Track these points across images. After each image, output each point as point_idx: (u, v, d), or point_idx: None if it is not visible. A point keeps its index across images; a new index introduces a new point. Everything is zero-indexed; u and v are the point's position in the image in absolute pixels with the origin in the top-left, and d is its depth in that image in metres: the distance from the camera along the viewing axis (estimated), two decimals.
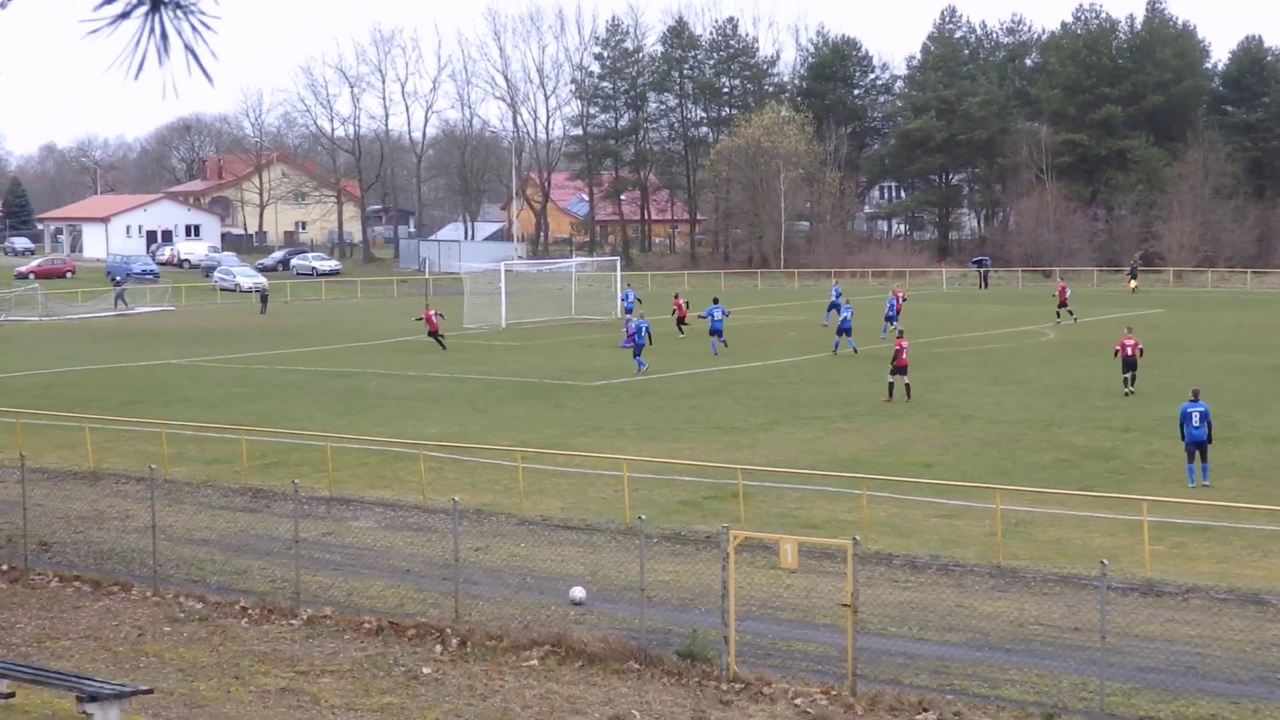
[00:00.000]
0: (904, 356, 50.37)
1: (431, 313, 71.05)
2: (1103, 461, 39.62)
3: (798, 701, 21.44)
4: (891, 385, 50.60)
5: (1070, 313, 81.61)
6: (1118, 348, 51.76)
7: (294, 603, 27.22)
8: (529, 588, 28.08)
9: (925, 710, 20.79)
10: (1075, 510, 32.85)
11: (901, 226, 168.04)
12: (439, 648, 24.72)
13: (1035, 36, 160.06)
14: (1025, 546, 30.15)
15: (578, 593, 27.01)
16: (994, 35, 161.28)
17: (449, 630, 25.27)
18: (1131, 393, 50.57)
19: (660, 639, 24.08)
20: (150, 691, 20.80)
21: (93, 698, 19.14)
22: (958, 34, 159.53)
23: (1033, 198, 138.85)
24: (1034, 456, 40.28)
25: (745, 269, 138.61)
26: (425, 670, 23.57)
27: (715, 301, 69.34)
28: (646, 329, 61.84)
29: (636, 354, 60.51)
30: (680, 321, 73.64)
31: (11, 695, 19.96)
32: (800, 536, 27.22)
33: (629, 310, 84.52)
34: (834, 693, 21.54)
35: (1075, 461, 39.65)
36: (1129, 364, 51.20)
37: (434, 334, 71.25)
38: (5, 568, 30.95)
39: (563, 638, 24.29)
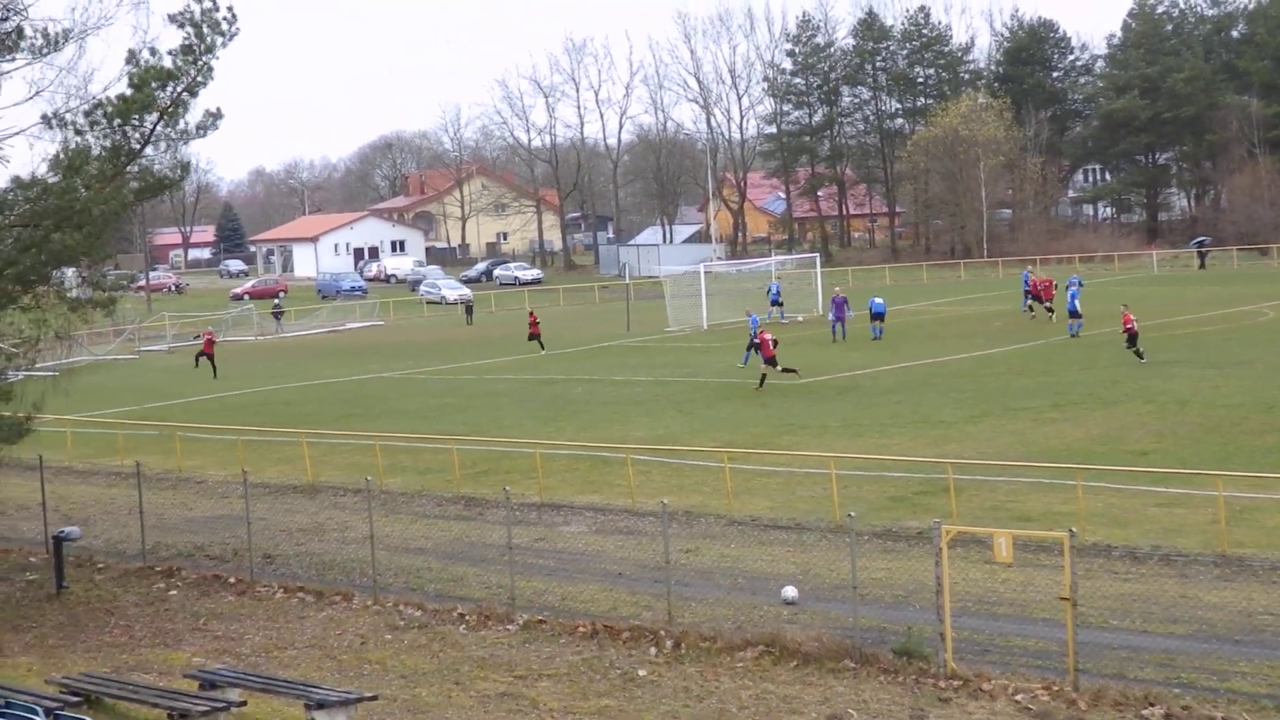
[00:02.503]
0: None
1: (535, 318, 73.24)
2: None
3: (1018, 698, 21.23)
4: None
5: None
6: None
7: (510, 608, 27.55)
8: (740, 588, 28.12)
9: (1151, 705, 20.42)
10: None
11: (1108, 210, 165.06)
12: (654, 650, 24.87)
13: (1241, 7, 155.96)
14: (1251, 534, 29.42)
15: (790, 592, 27.00)
16: (1197, 8, 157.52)
17: (663, 632, 25.40)
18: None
19: (875, 637, 23.98)
20: (375, 698, 21.22)
21: (320, 705, 19.60)
22: (1159, 9, 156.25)
23: (1245, 174, 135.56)
24: (1257, 441, 39.25)
25: (947, 260, 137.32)
26: (641, 673, 23.73)
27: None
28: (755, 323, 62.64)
29: (750, 349, 60.90)
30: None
31: (243, 704, 20.48)
32: (1014, 530, 26.97)
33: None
34: (1056, 688, 21.28)
35: None
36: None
37: (534, 337, 75.61)
38: (233, 580, 31.76)
39: (776, 637, 24.30)
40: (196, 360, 74.84)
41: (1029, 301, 77.14)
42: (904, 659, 22.93)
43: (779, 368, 55.05)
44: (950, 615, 22.63)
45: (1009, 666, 22.65)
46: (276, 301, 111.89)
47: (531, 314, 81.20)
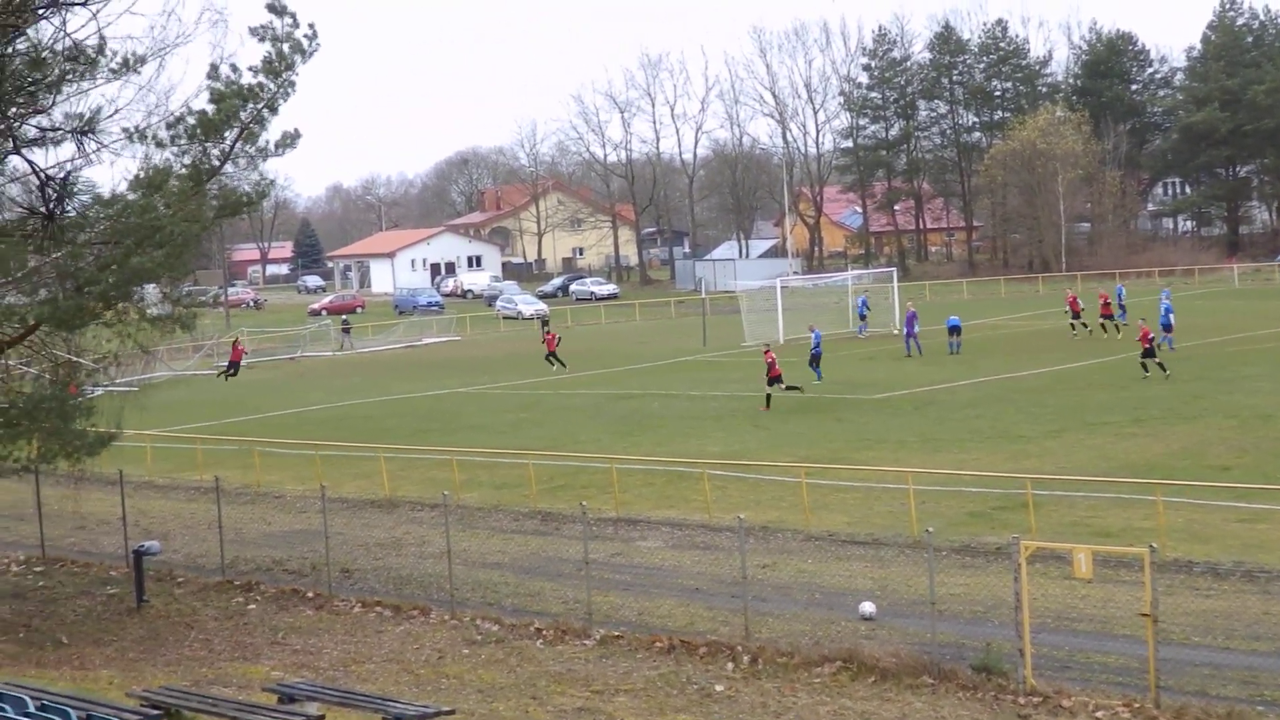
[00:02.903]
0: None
1: (553, 335, 73.50)
2: None
3: (1099, 715, 21.08)
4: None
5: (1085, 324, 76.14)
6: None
7: (586, 623, 27.57)
8: (818, 603, 28.04)
9: None
10: None
11: (1188, 223, 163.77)
12: (731, 665, 24.83)
13: None
14: None
15: (867, 608, 26.90)
16: (1278, 20, 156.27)
17: (740, 648, 25.36)
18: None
19: (953, 653, 23.86)
20: (452, 713, 21.25)
21: (398, 719, 19.64)
22: (1239, 21, 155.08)
23: None
24: None
25: (1025, 274, 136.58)
26: (718, 688, 23.69)
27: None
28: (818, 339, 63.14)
29: (814, 363, 61.70)
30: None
31: (321, 717, 20.54)
32: (1094, 545, 26.77)
33: (863, 316, 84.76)
34: (1136, 705, 21.11)
35: None
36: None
37: (552, 354, 75.48)
38: (311, 594, 31.93)
39: (854, 653, 24.22)
40: (226, 375, 73.21)
41: (1072, 320, 76.57)
42: (983, 675, 22.81)
43: (786, 387, 55.38)
44: (1029, 631, 22.49)
45: (1089, 683, 22.49)
46: (345, 318, 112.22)
47: (550, 332, 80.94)
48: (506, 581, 31.66)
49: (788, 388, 55.63)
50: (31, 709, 16.25)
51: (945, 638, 24.29)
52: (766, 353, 57.31)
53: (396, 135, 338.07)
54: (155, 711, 19.55)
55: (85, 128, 31.02)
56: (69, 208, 28.75)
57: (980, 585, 27.77)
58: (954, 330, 71.44)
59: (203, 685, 23.85)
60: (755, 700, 22.99)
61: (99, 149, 31.33)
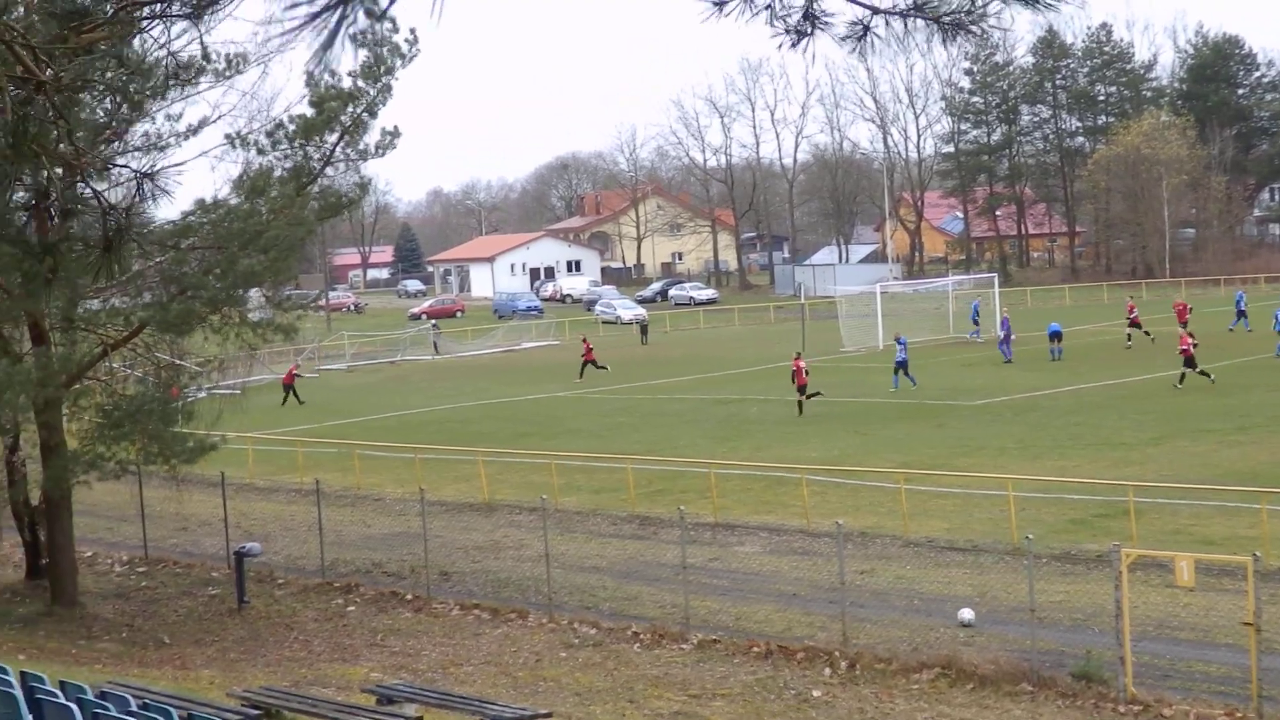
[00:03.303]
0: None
1: (802, 364, 71.15)
2: None
3: None
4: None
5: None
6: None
7: (684, 627, 27.58)
8: (916, 610, 27.92)
9: None
10: None
11: None
12: (828, 671, 24.76)
13: None
14: None
15: (966, 614, 26.76)
16: None
17: (837, 653, 25.29)
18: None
19: (1053, 660, 23.69)
20: (550, 715, 21.31)
21: None
22: None
23: None
24: None
25: (1128, 280, 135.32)
26: (815, 693, 23.63)
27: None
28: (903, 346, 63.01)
29: (898, 371, 61.62)
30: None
31: (420, 719, 20.66)
32: (1196, 554, 26.48)
33: (975, 321, 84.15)
34: (1239, 715, 20.89)
35: None
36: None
37: (590, 363, 75.20)
38: (410, 597, 32.12)
39: (953, 660, 24.10)
40: (295, 398, 71.50)
41: (1129, 330, 75.40)
42: (1083, 683, 22.64)
43: (807, 395, 56.18)
44: (1130, 639, 22.30)
45: (1190, 692, 22.27)
46: (434, 322, 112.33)
47: (585, 340, 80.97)
48: (604, 585, 31.72)
49: (809, 395, 56.26)
50: (134, 708, 16.43)
51: (1045, 645, 24.12)
52: (796, 360, 58.11)
53: (497, 140, 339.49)
54: (255, 712, 19.72)
55: (195, 131, 31.45)
56: (130, 238, 29.09)
57: (1080, 593, 27.55)
58: (1055, 336, 70.87)
59: (302, 686, 24.04)
60: (852, 706, 22.91)
61: (201, 155, 31.78)
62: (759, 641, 26.55)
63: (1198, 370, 56.14)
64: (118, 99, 30.64)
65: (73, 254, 31.58)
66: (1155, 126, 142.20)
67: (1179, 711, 21.32)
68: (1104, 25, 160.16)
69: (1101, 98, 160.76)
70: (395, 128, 31.88)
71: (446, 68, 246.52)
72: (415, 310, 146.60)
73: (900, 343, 63.11)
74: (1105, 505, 34.57)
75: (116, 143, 31.96)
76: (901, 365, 61.66)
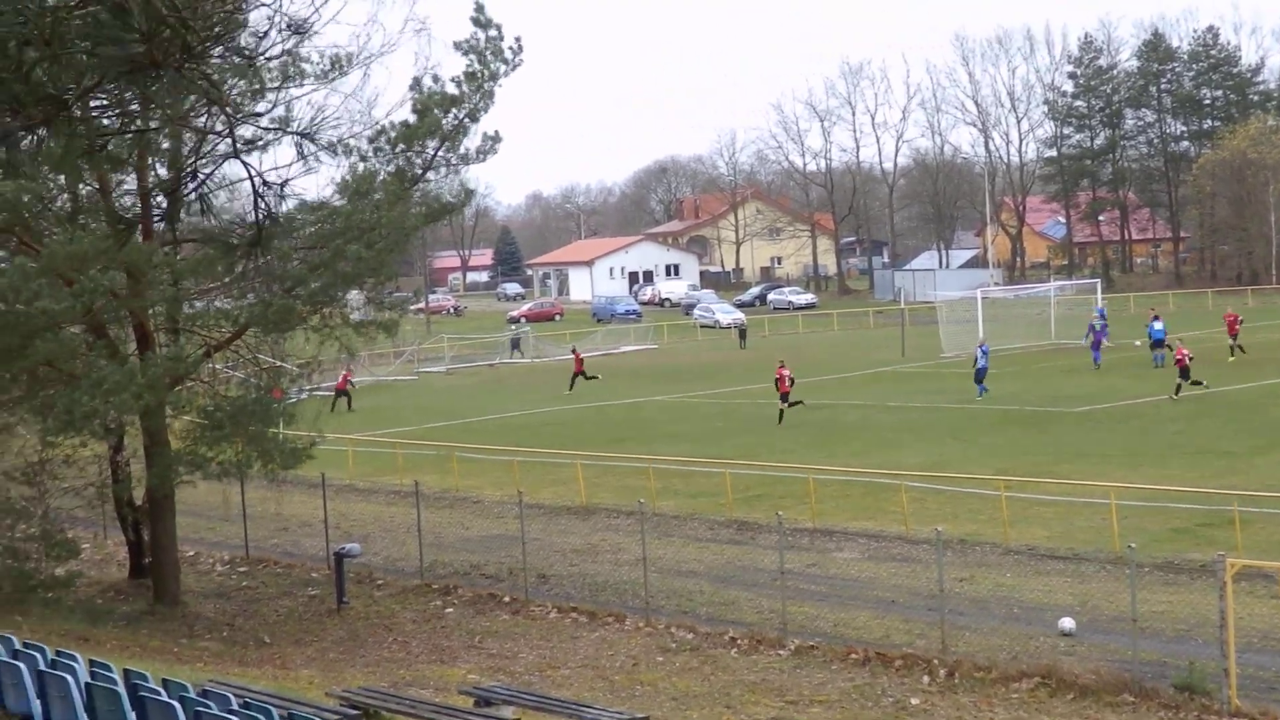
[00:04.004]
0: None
1: (785, 372, 69.23)
2: None
3: None
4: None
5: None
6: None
7: (781, 633, 27.51)
8: (1016, 618, 27.71)
9: None
10: None
11: None
12: (926, 679, 24.62)
13: None
14: None
15: (1067, 623, 26.53)
16: None
17: (936, 661, 25.15)
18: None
19: (1155, 671, 23.44)
20: (647, 719, 21.30)
21: None
22: None
23: None
24: None
25: (1233, 286, 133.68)
26: (913, 701, 23.50)
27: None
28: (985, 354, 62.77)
29: (978, 379, 61.34)
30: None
31: None
32: None
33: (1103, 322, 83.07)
34: None
35: None
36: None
37: (580, 374, 73.93)
38: (508, 599, 32.22)
39: (1053, 669, 23.90)
40: (347, 404, 69.87)
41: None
42: (1185, 694, 22.39)
43: (789, 403, 57.39)
44: (1235, 650, 22.01)
45: None
46: (514, 328, 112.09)
47: (575, 351, 79.75)
48: (701, 590, 31.69)
49: (791, 404, 57.41)
50: (235, 707, 16.56)
51: (1147, 655, 23.88)
52: (780, 368, 59.13)
53: (596, 144, 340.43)
54: (354, 712, 19.83)
55: (308, 131, 31.62)
56: (279, 216, 29.40)
57: (1184, 603, 27.25)
58: (1158, 344, 70.03)
59: (400, 687, 24.16)
60: (951, 714, 22.78)
61: (315, 153, 31.95)
62: (857, 648, 26.44)
63: (1190, 381, 57.27)
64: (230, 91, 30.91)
65: (177, 255, 31.99)
66: (1262, 130, 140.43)
67: None
68: (1210, 28, 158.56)
69: (1207, 101, 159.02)
70: (496, 133, 32.01)
71: (545, 71, 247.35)
72: (514, 313, 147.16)
73: (982, 350, 62.66)
74: (1209, 514, 34.17)
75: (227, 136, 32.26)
76: (980, 373, 61.17)
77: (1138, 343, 78.66)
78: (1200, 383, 57.27)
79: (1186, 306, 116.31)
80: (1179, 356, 58.02)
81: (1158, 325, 70.62)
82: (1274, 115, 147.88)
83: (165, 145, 31.88)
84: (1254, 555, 29.34)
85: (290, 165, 27.44)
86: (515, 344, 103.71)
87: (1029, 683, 23.74)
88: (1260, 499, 34.67)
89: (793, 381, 58.02)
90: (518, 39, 31.11)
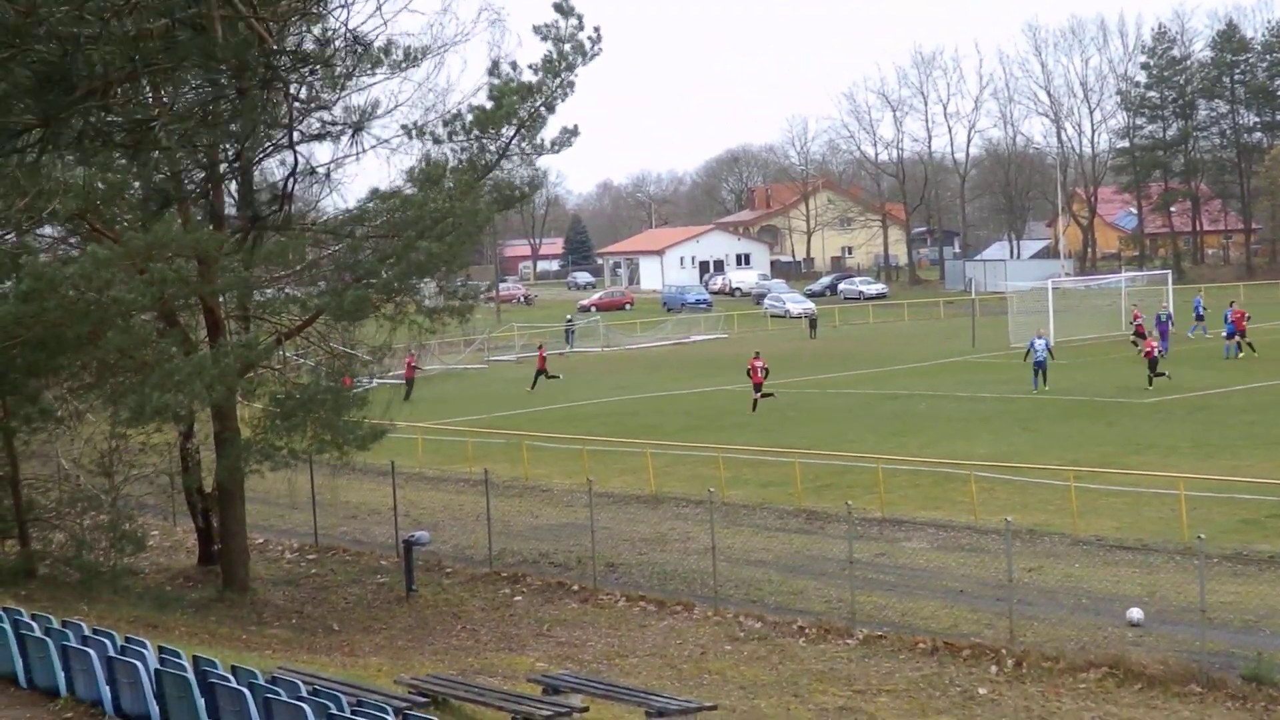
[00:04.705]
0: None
1: (759, 363, 64.60)
2: None
3: None
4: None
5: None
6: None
7: (849, 622, 27.56)
8: (1084, 609, 27.66)
9: None
10: None
11: None
12: (994, 668, 24.63)
13: None
14: None
15: (1135, 614, 26.48)
16: None
17: (1004, 651, 25.15)
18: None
19: (1223, 662, 23.38)
20: (714, 708, 21.40)
21: (661, 713, 19.83)
22: None
23: None
24: None
25: None
26: (981, 691, 23.52)
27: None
28: (1047, 346, 62.56)
29: (1037, 371, 60.96)
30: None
31: (585, 709, 20.82)
32: None
33: (1199, 317, 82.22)
34: None
35: None
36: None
37: (542, 371, 71.89)
38: (576, 588, 32.36)
39: (1120, 660, 23.87)
40: (407, 393, 68.01)
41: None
42: (1253, 685, 22.33)
43: (760, 394, 58.67)
44: None
45: None
46: (569, 317, 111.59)
47: (541, 347, 77.57)
48: (770, 579, 31.76)
49: (764, 395, 58.40)
50: (304, 694, 16.74)
51: (1215, 646, 23.82)
52: (753, 358, 60.39)
53: (667, 133, 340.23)
54: (423, 699, 19.99)
55: (359, 123, 31.78)
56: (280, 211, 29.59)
57: (1252, 594, 27.14)
58: (1230, 334, 69.51)
59: (469, 674, 24.35)
60: (1019, 704, 22.78)
61: (375, 145, 32.18)
62: (925, 638, 26.46)
63: (1157, 373, 58.48)
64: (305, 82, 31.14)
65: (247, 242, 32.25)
66: None
67: None
68: None
69: None
70: (575, 126, 32.03)
71: (617, 60, 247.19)
72: (585, 302, 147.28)
73: (1043, 343, 62.19)
74: (1279, 505, 33.95)
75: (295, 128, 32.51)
76: (1039, 366, 60.69)
77: (1191, 334, 78.30)
78: (1164, 374, 58.75)
79: (1258, 298, 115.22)
80: (1148, 348, 60.19)
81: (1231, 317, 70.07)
82: None
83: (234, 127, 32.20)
84: None
85: (347, 157, 27.68)
86: (569, 336, 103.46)
87: (1096, 673, 23.72)
88: None
89: (766, 372, 59.88)
90: (596, 29, 31.14)
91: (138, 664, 16.95)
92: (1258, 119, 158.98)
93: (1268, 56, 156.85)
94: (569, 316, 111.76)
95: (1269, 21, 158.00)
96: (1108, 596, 28.14)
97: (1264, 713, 21.50)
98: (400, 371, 64.41)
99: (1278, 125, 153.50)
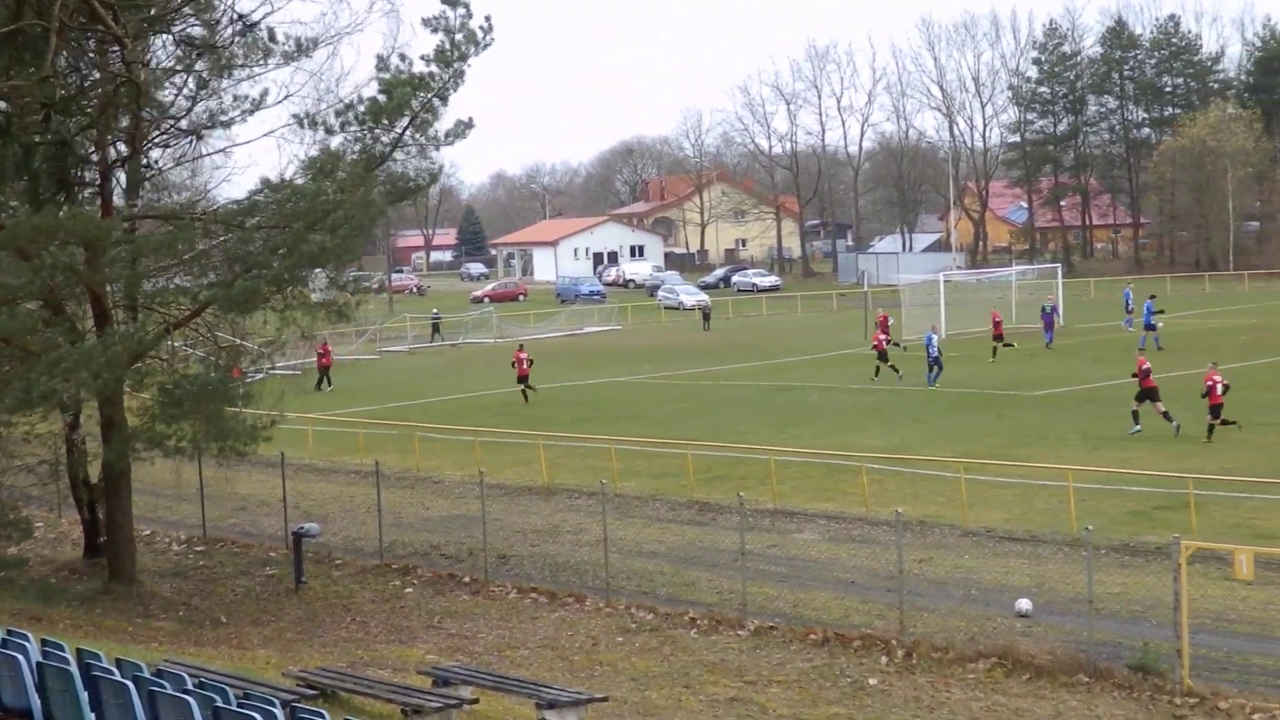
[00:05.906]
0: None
1: (523, 355, 63.30)
2: None
3: (1255, 717, 20.80)
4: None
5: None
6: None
7: (741, 614, 27.61)
8: (973, 599, 27.87)
9: None
10: None
11: None
12: (885, 659, 24.76)
13: None
14: None
15: (1024, 604, 26.70)
16: None
17: (894, 642, 25.28)
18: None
19: (1110, 652, 23.62)
20: (605, 699, 21.38)
21: (551, 705, 19.78)
22: None
23: None
24: None
25: (1192, 272, 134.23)
26: (871, 681, 23.63)
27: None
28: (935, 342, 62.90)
29: (932, 367, 61.10)
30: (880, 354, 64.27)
31: (475, 701, 20.76)
32: (1256, 547, 26.32)
33: (1150, 311, 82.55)
34: None
35: None
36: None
37: (523, 379, 62.26)
38: (468, 579, 32.25)
39: (1009, 650, 24.05)
40: (319, 382, 67.32)
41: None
42: (1139, 675, 22.58)
43: (528, 385, 61.31)
44: (1188, 632, 22.19)
45: (1247, 685, 22.18)
46: (435, 310, 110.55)
47: (521, 348, 67.47)
48: (662, 571, 31.77)
49: (530, 387, 61.05)
50: (190, 686, 16.53)
51: (1102, 636, 24.06)
52: (518, 351, 62.66)
53: (561, 124, 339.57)
54: (311, 692, 19.83)
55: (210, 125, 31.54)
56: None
57: (1139, 585, 27.44)
58: (1149, 326, 70.58)
59: (358, 667, 24.19)
60: (909, 695, 22.91)
61: (264, 135, 31.94)
62: (816, 629, 26.56)
63: (888, 364, 62.31)
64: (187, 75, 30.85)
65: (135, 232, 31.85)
66: (1221, 119, 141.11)
67: (1235, 704, 21.22)
68: (1172, 17, 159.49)
69: (1168, 89, 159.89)
70: (470, 119, 31.82)
71: (511, 49, 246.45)
72: (477, 293, 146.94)
73: (929, 337, 62.44)
74: (1165, 497, 34.40)
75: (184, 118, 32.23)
76: (934, 361, 60.68)
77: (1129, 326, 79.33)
78: (896, 369, 62.18)
79: (1146, 292, 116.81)
80: (875, 341, 64.58)
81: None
82: (1233, 104, 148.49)
83: (125, 123, 31.80)
84: (1208, 538, 29.58)
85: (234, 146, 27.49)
86: (435, 329, 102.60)
87: (986, 663, 23.89)
88: (1215, 482, 34.93)
89: (531, 363, 61.60)
90: (488, 18, 30.98)
91: (19, 657, 16.65)
92: (1146, 115, 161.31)
93: (1155, 54, 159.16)
94: (435, 310, 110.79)
95: (1157, 19, 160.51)
96: (997, 587, 28.36)
97: (1150, 702, 21.73)
98: (308, 360, 63.92)
99: (1165, 121, 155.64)
